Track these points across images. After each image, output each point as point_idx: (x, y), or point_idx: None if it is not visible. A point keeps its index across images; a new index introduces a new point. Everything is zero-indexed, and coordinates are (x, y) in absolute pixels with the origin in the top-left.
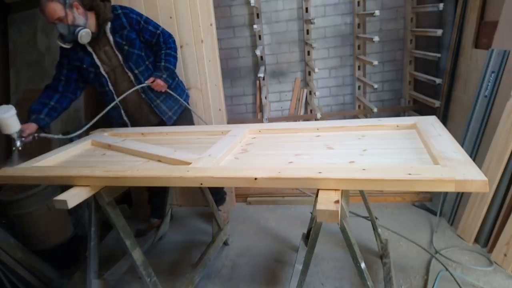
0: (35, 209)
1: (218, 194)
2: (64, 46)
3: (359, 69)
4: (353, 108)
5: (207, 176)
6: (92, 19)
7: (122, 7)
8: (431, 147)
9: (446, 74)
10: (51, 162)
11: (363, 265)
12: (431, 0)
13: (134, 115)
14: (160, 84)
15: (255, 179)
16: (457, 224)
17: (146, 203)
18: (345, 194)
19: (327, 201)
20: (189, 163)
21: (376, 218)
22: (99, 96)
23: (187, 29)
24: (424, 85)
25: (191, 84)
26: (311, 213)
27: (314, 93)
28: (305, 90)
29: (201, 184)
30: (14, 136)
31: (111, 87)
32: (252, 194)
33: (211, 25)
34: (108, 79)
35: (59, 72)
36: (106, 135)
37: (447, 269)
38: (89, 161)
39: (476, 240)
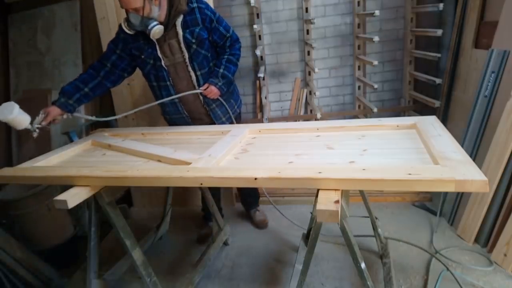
0: (35, 209)
1: (254, 196)
2: (127, 31)
3: (359, 69)
4: (353, 108)
5: (207, 176)
6: (163, 8)
7: (198, 0)
8: (431, 147)
9: (446, 74)
10: (51, 162)
11: (363, 265)
12: (431, 0)
13: (191, 113)
14: (213, 91)
15: (255, 179)
16: (457, 224)
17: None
18: (345, 194)
19: (327, 201)
20: (189, 163)
21: (376, 218)
22: (153, 90)
23: None
24: (424, 85)
25: None
26: (311, 213)
27: (314, 93)
28: (305, 90)
29: (201, 184)
30: (29, 128)
31: (171, 82)
32: None
33: None
34: (169, 73)
35: (107, 56)
36: (106, 135)
37: (448, 269)
38: (89, 161)
39: (476, 240)
